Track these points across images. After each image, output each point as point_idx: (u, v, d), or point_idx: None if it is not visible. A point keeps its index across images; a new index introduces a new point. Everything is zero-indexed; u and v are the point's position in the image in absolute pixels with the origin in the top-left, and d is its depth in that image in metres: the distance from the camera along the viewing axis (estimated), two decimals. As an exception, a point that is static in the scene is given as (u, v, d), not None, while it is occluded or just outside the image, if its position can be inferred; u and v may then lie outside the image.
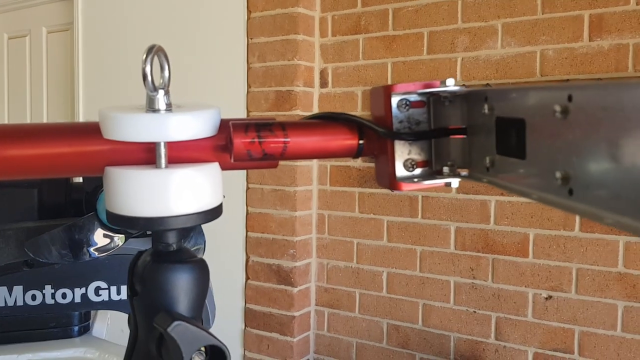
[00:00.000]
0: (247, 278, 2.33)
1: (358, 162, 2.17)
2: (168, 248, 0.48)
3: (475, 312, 1.99)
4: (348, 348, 2.25)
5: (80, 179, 0.84)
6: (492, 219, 1.94)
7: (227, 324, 2.37)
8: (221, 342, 0.44)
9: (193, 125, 0.46)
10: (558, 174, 0.33)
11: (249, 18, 2.23)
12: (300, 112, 2.14)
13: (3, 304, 0.76)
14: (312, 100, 2.23)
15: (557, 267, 1.83)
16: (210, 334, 0.44)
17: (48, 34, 3.08)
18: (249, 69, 2.24)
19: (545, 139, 0.35)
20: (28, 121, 3.21)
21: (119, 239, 0.77)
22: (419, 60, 2.03)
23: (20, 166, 0.44)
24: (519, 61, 1.86)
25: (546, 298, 1.86)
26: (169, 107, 0.45)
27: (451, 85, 0.42)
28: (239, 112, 2.26)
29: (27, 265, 0.77)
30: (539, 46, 1.83)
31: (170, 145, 0.45)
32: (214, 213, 0.47)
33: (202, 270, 0.48)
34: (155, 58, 0.44)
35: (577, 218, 1.79)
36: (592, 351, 1.80)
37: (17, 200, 0.79)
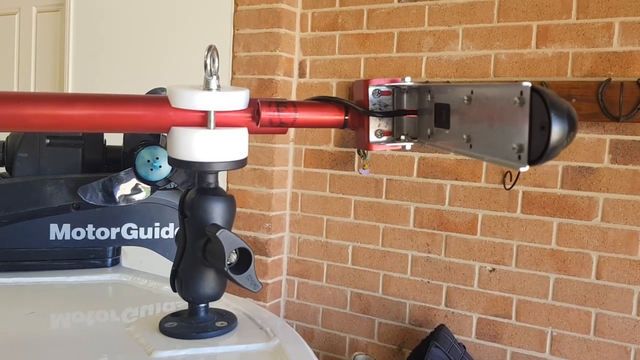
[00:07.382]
0: (225, 249, 2.53)
1: (330, 147, 2.40)
2: (209, 185, 0.70)
3: (429, 282, 2.25)
4: (315, 313, 2.48)
5: (114, 143, 1.04)
6: (446, 200, 2.20)
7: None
8: (248, 246, 0.66)
9: (233, 101, 0.67)
10: (465, 136, 0.56)
11: (235, 11, 2.43)
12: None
13: (54, 238, 0.96)
14: (291, 89, 2.44)
15: (500, 244, 2.11)
16: (242, 240, 0.66)
17: (38, 14, 3.20)
18: (234, 57, 2.44)
19: (459, 116, 0.58)
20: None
21: (147, 191, 0.98)
22: (389, 57, 2.27)
23: (117, 123, 0.65)
24: (476, 63, 2.11)
25: (490, 270, 2.13)
26: (219, 88, 0.66)
27: (408, 81, 0.65)
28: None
29: (74, 207, 0.97)
30: (494, 50, 2.08)
31: (217, 114, 0.67)
32: (242, 163, 0.69)
33: (232, 202, 0.70)
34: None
35: (519, 201, 2.06)
36: (527, 316, 2.08)
37: (65, 157, 1.00)
